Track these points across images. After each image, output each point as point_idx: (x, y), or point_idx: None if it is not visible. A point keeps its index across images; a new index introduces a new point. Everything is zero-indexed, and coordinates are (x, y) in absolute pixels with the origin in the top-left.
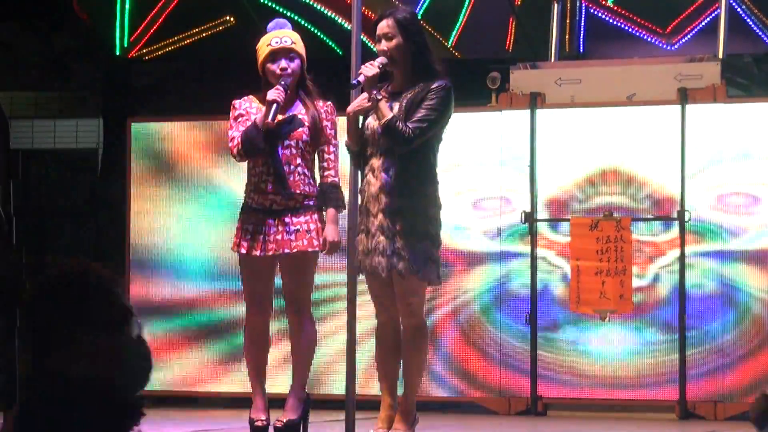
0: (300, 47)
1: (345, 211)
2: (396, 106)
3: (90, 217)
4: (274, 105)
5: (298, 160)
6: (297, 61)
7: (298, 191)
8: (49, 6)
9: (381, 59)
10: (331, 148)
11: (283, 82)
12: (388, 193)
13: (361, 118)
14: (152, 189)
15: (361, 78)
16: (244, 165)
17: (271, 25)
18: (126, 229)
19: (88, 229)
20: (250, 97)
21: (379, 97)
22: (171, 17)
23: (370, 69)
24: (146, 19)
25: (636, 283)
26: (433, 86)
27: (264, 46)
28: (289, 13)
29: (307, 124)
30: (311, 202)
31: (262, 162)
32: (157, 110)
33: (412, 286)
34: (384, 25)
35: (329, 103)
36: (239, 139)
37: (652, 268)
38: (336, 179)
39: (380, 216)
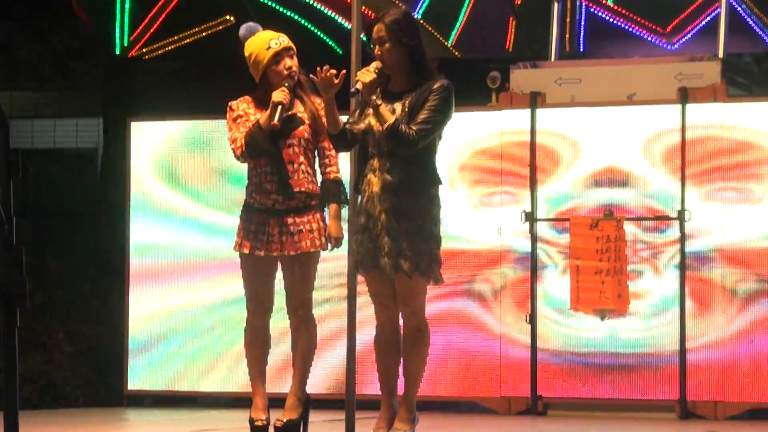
0: (293, 45)
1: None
2: (398, 107)
3: (90, 217)
4: (280, 107)
5: (301, 158)
6: (295, 59)
7: (303, 189)
8: (49, 6)
9: (376, 64)
10: (331, 144)
11: (287, 84)
12: (393, 194)
13: (368, 119)
14: (152, 188)
15: (359, 86)
16: (244, 164)
17: (243, 32)
18: (126, 228)
19: (88, 229)
20: (246, 97)
21: (379, 102)
22: (171, 17)
23: (367, 75)
24: (146, 19)
25: (636, 282)
26: (434, 87)
27: (263, 50)
28: (288, 13)
29: (307, 121)
30: (313, 202)
31: (265, 162)
32: (156, 110)
33: (416, 287)
34: (376, 30)
35: None
36: (243, 141)
37: (652, 268)
38: (338, 175)
39: (384, 216)
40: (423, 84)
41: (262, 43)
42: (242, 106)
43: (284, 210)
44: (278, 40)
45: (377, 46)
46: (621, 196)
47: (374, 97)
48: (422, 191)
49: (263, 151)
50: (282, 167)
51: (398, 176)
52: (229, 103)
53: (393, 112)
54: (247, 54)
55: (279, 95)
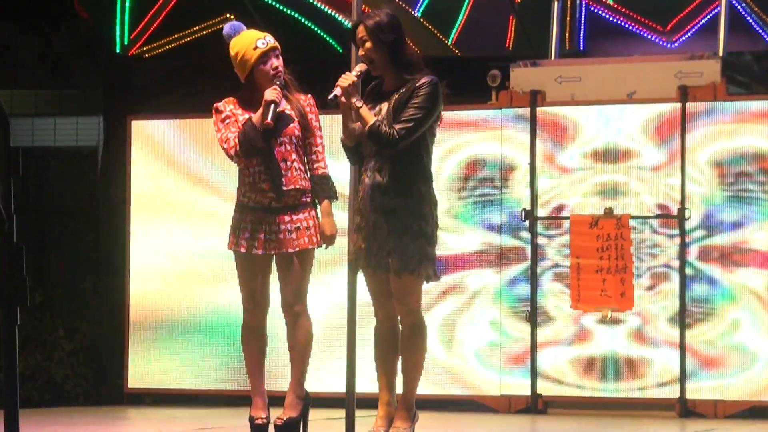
0: (278, 45)
1: (346, 212)
2: (385, 107)
3: (90, 216)
4: (272, 105)
5: (294, 156)
6: (281, 59)
7: (297, 186)
8: (49, 6)
9: (360, 66)
10: (318, 140)
11: (278, 82)
12: (381, 193)
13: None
14: (152, 187)
15: (337, 91)
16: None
17: (227, 30)
18: (126, 226)
19: (89, 227)
20: (230, 99)
21: (359, 104)
22: (171, 15)
23: (345, 80)
24: (147, 17)
25: (636, 281)
26: (418, 83)
27: (250, 50)
28: (289, 11)
29: (296, 118)
30: (308, 199)
31: (258, 162)
32: (157, 108)
33: (407, 285)
34: (357, 32)
35: (309, 95)
36: (236, 140)
37: (652, 266)
38: (326, 170)
39: (374, 215)
40: (409, 81)
41: (249, 42)
42: (228, 107)
43: (280, 208)
44: (265, 39)
45: (360, 48)
46: (621, 195)
47: (354, 100)
48: (410, 189)
49: (257, 150)
50: (275, 165)
51: (387, 175)
52: (215, 105)
53: (380, 112)
54: (233, 53)
55: (272, 94)
